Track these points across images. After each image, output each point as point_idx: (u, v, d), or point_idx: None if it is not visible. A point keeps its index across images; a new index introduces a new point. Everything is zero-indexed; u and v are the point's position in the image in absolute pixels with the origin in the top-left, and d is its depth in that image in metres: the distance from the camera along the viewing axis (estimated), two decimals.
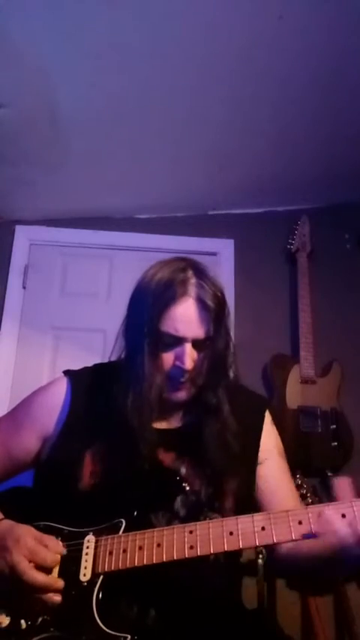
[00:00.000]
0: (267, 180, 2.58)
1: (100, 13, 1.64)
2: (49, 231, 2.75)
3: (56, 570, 0.99)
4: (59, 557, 0.99)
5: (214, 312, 1.11)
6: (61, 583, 0.96)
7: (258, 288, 2.64)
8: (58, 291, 2.71)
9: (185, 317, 1.10)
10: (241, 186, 2.61)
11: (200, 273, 1.14)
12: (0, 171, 2.35)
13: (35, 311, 2.64)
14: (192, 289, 1.11)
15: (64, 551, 1.00)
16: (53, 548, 0.98)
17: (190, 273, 1.13)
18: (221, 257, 2.72)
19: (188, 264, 1.15)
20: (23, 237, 2.73)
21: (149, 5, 1.63)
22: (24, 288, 2.67)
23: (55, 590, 0.96)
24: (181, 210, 2.80)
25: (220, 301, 1.14)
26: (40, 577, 0.94)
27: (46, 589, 0.95)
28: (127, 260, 2.74)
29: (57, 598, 0.95)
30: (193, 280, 1.12)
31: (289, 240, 2.68)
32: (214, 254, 2.72)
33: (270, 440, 1.24)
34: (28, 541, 0.97)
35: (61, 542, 1.01)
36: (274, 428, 1.28)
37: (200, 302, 1.10)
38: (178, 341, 1.10)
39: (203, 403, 1.15)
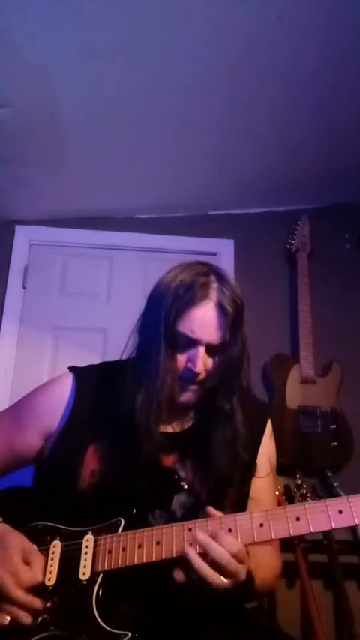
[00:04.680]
0: (267, 181, 2.58)
1: (100, 13, 1.64)
2: (49, 231, 2.75)
3: (55, 570, 0.99)
4: (38, 579, 0.97)
5: (232, 317, 1.11)
6: (38, 604, 0.95)
7: (258, 288, 2.64)
8: (58, 291, 2.71)
9: (204, 320, 1.09)
10: (241, 186, 2.62)
11: (222, 278, 1.14)
12: (0, 171, 2.36)
13: (35, 311, 2.64)
14: (213, 293, 1.11)
15: (40, 578, 0.98)
16: (35, 569, 0.97)
17: (212, 277, 1.13)
18: (221, 257, 2.72)
19: (210, 269, 1.16)
20: (23, 237, 2.74)
21: (149, 6, 1.63)
22: (24, 288, 2.67)
23: (31, 611, 0.95)
24: (181, 210, 2.80)
25: (239, 308, 1.14)
26: (18, 593, 0.94)
27: (22, 607, 0.94)
28: (127, 260, 2.75)
29: (27, 620, 0.94)
30: (215, 285, 1.11)
31: (289, 240, 2.68)
32: (214, 254, 2.72)
33: (268, 452, 1.25)
34: (14, 556, 0.96)
35: (46, 562, 1.00)
36: (273, 439, 1.28)
37: (220, 307, 1.10)
38: (193, 343, 1.10)
39: (216, 409, 1.14)
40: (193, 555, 0.90)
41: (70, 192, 2.57)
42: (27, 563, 0.98)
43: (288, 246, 2.68)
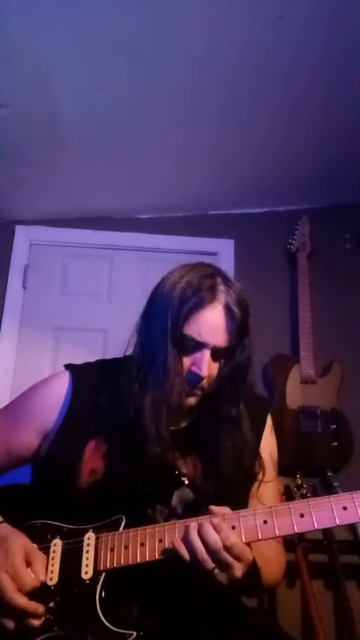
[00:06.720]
0: (267, 180, 2.58)
1: (100, 13, 1.64)
2: (49, 231, 2.75)
3: (57, 569, 0.99)
4: (39, 582, 0.96)
5: (239, 321, 1.10)
6: (40, 610, 0.93)
7: (258, 288, 2.62)
8: (58, 291, 2.71)
9: (212, 323, 1.09)
10: (241, 186, 2.61)
11: (227, 280, 1.13)
12: (0, 171, 2.35)
13: (35, 311, 2.64)
14: (221, 296, 1.10)
15: (42, 579, 0.97)
16: (36, 570, 0.96)
17: (219, 279, 1.12)
18: (221, 257, 2.72)
19: (215, 271, 1.15)
20: (23, 237, 2.73)
21: (149, 5, 1.63)
22: (24, 288, 2.67)
23: (35, 617, 0.93)
24: (181, 210, 2.80)
25: (246, 311, 1.12)
26: (20, 600, 0.92)
27: (25, 613, 0.93)
28: (127, 260, 2.75)
29: (36, 622, 0.93)
30: (222, 287, 1.10)
31: (289, 240, 2.68)
32: (214, 254, 2.72)
33: (269, 447, 1.24)
34: (16, 559, 0.95)
35: (47, 564, 0.99)
36: (273, 435, 1.28)
37: (228, 310, 1.09)
38: (199, 346, 1.09)
39: (222, 413, 1.13)
40: (193, 527, 0.90)
41: (70, 192, 2.57)
42: (28, 563, 0.97)
43: (288, 246, 2.68)
